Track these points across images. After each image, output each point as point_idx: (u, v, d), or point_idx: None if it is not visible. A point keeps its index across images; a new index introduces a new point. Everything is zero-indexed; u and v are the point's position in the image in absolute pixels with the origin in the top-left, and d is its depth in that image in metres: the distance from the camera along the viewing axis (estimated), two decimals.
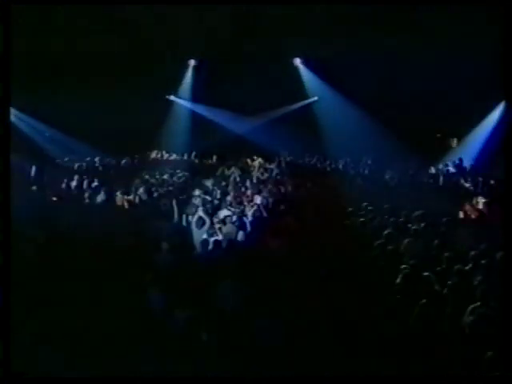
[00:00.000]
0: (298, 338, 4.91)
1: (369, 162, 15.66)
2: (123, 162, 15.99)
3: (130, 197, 10.42)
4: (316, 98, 17.54)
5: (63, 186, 11.73)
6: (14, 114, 14.27)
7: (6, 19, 5.01)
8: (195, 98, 17.85)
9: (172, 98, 18.25)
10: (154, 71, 15.08)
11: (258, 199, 9.88)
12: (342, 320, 5.15)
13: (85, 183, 11.75)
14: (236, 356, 4.65)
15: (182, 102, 18.25)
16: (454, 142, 16.86)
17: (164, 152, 17.58)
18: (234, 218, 8.44)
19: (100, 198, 10.56)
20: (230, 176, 12.56)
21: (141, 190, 10.64)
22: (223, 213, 8.84)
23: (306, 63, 16.64)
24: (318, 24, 12.88)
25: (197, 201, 9.36)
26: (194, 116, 18.04)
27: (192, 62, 17.28)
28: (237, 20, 13.04)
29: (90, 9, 11.98)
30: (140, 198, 10.36)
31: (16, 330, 4.44)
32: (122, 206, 10.20)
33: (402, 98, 14.26)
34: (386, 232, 7.66)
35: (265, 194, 10.43)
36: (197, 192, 10.26)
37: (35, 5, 10.59)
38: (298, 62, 16.70)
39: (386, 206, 9.59)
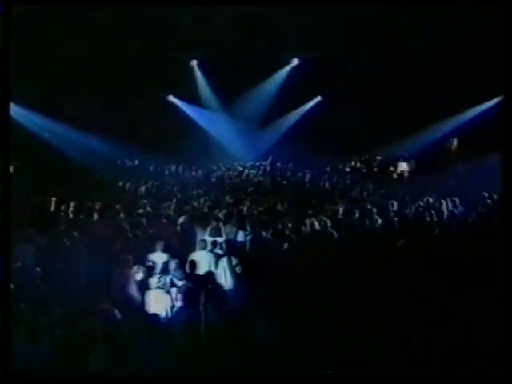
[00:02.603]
0: (297, 338, 4.92)
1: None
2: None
3: None
4: (319, 99, 17.58)
5: None
6: (13, 112, 14.13)
7: (5, 19, 5.01)
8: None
9: (172, 98, 18.21)
10: (154, 71, 15.07)
11: None
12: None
13: None
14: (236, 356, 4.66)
15: (179, 102, 18.23)
16: (454, 142, 16.83)
17: None
18: None
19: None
20: None
21: None
22: None
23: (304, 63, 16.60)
24: (318, 24, 12.88)
25: None
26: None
27: (194, 63, 17.12)
28: (237, 20, 13.04)
29: (91, 9, 11.99)
30: None
31: (16, 330, 4.44)
32: None
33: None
34: None
35: None
36: None
37: (35, 5, 10.58)
38: (296, 61, 16.64)
39: None
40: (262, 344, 4.83)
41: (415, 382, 4.29)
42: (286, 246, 7.50)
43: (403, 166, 15.96)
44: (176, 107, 17.93)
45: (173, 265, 6.30)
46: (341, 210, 9.49)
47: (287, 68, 16.61)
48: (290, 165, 16.17)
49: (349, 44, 13.46)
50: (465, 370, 4.35)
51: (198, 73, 17.21)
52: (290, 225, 8.33)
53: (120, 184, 12.61)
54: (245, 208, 9.93)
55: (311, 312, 5.40)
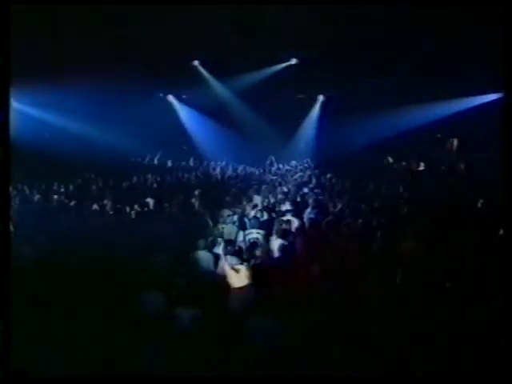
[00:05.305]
0: (297, 338, 4.91)
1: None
2: None
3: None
4: (322, 99, 17.55)
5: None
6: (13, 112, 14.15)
7: (5, 19, 5.00)
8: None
9: (171, 98, 18.22)
10: (155, 71, 15.08)
11: None
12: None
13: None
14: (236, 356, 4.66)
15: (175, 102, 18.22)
16: (455, 142, 16.80)
17: None
18: None
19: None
20: None
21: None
22: None
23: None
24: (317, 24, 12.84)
25: None
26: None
27: (196, 63, 17.05)
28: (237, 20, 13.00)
29: (91, 9, 11.97)
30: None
31: (16, 329, 4.44)
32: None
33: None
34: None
35: None
36: None
37: (35, 5, 10.55)
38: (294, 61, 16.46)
39: None
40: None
41: (415, 382, 4.29)
42: None
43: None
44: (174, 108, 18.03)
45: None
46: None
47: (281, 66, 16.27)
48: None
49: (349, 43, 13.44)
50: (465, 369, 4.35)
51: (201, 72, 17.13)
52: None
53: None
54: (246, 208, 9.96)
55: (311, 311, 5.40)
